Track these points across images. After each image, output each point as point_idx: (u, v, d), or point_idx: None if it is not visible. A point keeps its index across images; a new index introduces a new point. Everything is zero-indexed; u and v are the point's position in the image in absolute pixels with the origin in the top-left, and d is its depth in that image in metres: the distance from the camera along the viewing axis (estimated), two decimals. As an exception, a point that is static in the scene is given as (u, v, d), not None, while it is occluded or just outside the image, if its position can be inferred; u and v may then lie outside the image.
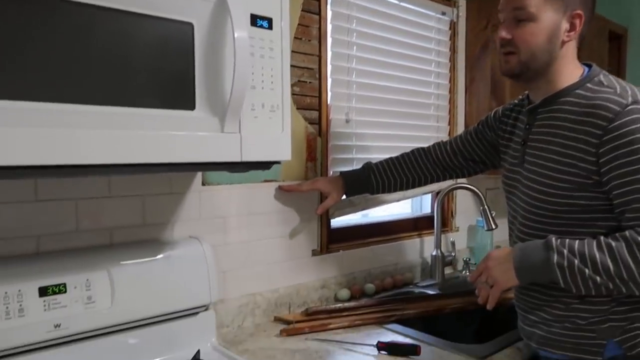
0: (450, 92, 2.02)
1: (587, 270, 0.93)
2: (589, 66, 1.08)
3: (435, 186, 1.75)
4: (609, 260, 0.92)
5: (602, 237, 0.95)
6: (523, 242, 1.09)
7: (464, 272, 1.94)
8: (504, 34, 1.05)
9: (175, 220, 1.26)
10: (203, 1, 0.90)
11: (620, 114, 0.93)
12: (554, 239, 0.99)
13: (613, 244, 0.92)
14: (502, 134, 1.24)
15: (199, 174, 1.29)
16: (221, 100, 0.92)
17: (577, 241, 0.96)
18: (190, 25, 0.89)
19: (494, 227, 1.74)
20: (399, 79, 1.80)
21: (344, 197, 1.48)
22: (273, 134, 1.01)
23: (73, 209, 1.10)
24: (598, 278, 0.93)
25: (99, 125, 0.79)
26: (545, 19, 1.01)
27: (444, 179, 1.47)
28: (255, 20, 0.97)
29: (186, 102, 0.90)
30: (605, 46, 2.36)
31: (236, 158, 0.95)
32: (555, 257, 0.96)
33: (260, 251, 1.43)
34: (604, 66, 2.40)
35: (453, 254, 1.92)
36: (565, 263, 0.95)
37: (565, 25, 1.03)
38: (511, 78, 1.11)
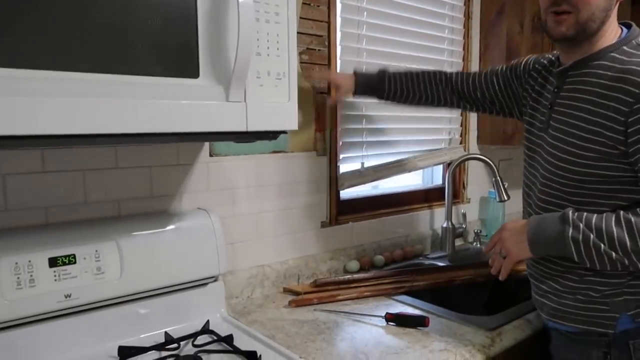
0: (464, 59, 1.96)
1: (602, 246, 0.91)
2: (629, 27, 1.01)
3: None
4: (626, 236, 0.89)
5: (621, 212, 0.92)
6: (542, 212, 1.06)
7: (474, 244, 1.93)
8: None
9: (183, 191, 1.26)
10: (206, -36, 0.86)
11: None
12: (571, 212, 0.96)
13: (633, 219, 0.89)
14: (529, 90, 1.16)
15: (206, 145, 1.28)
16: (226, 67, 0.90)
17: (595, 215, 0.93)
18: (192, -10, 0.86)
19: (506, 198, 1.71)
20: (410, 47, 1.75)
21: (351, 96, 1.42)
22: (279, 103, 0.98)
23: (81, 180, 1.10)
24: (614, 254, 0.90)
25: (101, 93, 0.77)
26: None
27: (456, 107, 1.41)
28: (260, -17, 0.93)
29: (190, 69, 0.87)
30: (627, 9, 2.26)
31: (242, 128, 0.93)
32: (571, 230, 0.93)
33: (268, 223, 1.42)
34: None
35: (464, 225, 1.90)
36: (581, 237, 0.92)
37: None
38: (562, 42, 1.02)
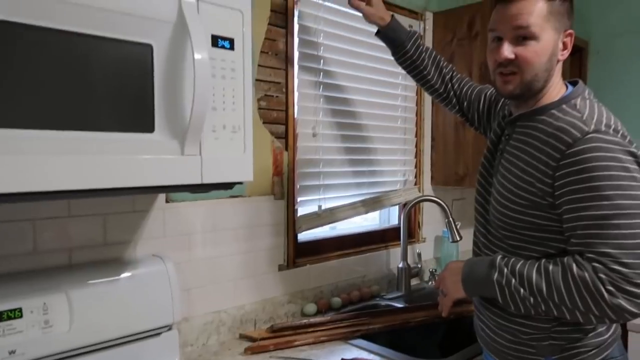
0: (417, 104, 2.05)
1: (522, 290, 0.96)
2: (575, 83, 1.07)
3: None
4: (543, 283, 0.94)
5: (543, 260, 0.97)
6: (484, 247, 1.14)
7: (430, 282, 1.97)
8: (506, 53, 1.00)
9: (138, 238, 1.24)
10: (162, 23, 0.89)
11: (579, 141, 0.93)
12: (499, 257, 1.02)
13: (550, 267, 0.95)
14: (493, 131, 1.21)
15: (163, 191, 1.28)
16: (181, 122, 0.91)
17: (520, 261, 0.99)
18: (149, 47, 0.88)
19: (458, 238, 1.78)
20: (366, 92, 1.82)
21: (382, 23, 1.43)
22: (235, 155, 1.00)
23: (30, 230, 1.08)
24: (532, 299, 0.95)
25: (55, 150, 0.77)
26: (546, 38, 0.99)
27: (444, 99, 1.46)
28: (216, 40, 0.96)
29: (145, 124, 0.88)
30: (567, 59, 2.44)
31: (197, 180, 0.94)
32: (496, 274, 1.00)
33: (225, 267, 1.42)
34: (566, 77, 2.48)
35: (419, 265, 1.95)
36: (504, 281, 0.98)
37: (560, 45, 1.03)
38: (511, 99, 1.09)
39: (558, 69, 1.06)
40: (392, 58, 1.47)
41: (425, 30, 2.05)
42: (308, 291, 1.63)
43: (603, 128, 0.94)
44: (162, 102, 0.90)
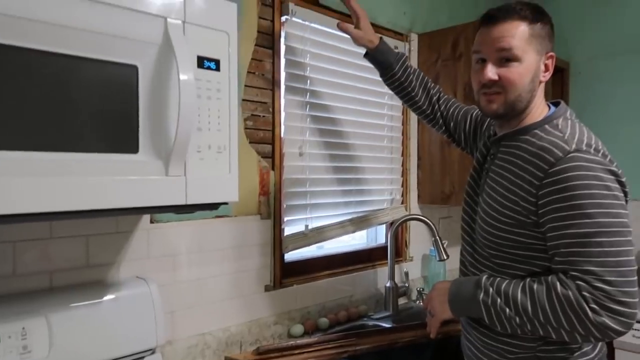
0: (403, 123, 2.07)
1: (507, 310, 0.97)
2: (557, 104, 1.10)
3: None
4: (528, 303, 0.95)
5: (528, 279, 0.98)
6: (470, 266, 1.14)
7: (417, 302, 1.97)
8: (490, 75, 1.03)
9: (122, 260, 1.22)
10: (148, 44, 0.89)
11: (561, 160, 0.95)
12: (485, 277, 1.02)
13: (535, 286, 0.95)
14: (480, 147, 1.22)
15: (147, 212, 1.27)
16: (166, 143, 0.91)
17: (506, 281, 1.00)
18: (134, 68, 0.88)
19: (445, 257, 1.78)
20: (352, 112, 1.83)
21: (370, 46, 1.45)
22: (220, 175, 1.00)
23: (10, 252, 1.05)
24: (517, 318, 0.96)
25: (38, 172, 0.76)
26: (528, 60, 1.02)
27: (430, 118, 1.47)
28: (202, 62, 0.97)
29: (129, 145, 0.88)
30: (549, 79, 2.49)
31: (181, 201, 0.93)
32: (482, 294, 1.00)
33: (211, 289, 1.40)
34: (549, 97, 2.52)
35: (407, 284, 1.94)
36: (490, 301, 0.99)
37: (542, 66, 1.06)
38: (495, 119, 1.12)
39: (540, 90, 1.08)
40: (378, 78, 1.49)
41: (410, 51, 2.08)
42: (295, 312, 1.61)
43: (584, 147, 0.96)
44: (146, 122, 0.89)
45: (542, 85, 1.09)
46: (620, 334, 0.91)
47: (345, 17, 1.79)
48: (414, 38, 2.10)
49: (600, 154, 0.97)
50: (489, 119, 1.28)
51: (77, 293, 1.10)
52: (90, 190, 0.82)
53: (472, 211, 1.17)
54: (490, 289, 0.99)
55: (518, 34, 1.02)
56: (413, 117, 2.10)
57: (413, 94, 1.46)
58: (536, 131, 1.04)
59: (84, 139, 0.82)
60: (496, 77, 1.03)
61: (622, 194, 0.96)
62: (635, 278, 0.91)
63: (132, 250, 1.24)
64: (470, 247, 1.16)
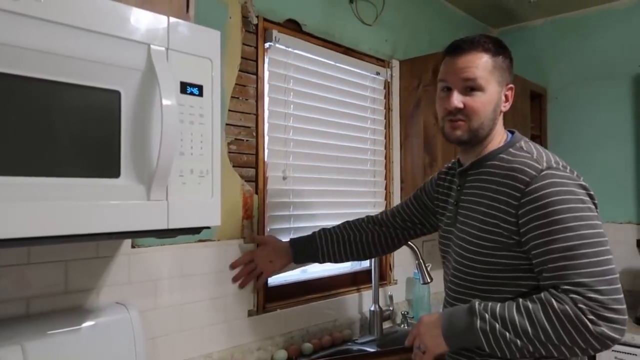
0: (386, 147, 2.09)
1: (507, 334, 0.95)
2: (512, 132, 1.16)
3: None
4: (527, 323, 0.94)
5: (521, 300, 0.98)
6: (456, 301, 1.12)
7: (402, 325, 1.96)
8: (456, 103, 1.08)
9: (102, 285, 1.21)
10: (131, 70, 0.90)
11: (536, 178, 0.99)
12: (477, 304, 1.01)
13: (530, 306, 0.96)
14: (438, 196, 1.30)
15: (129, 236, 1.25)
16: (148, 167, 0.91)
17: (498, 304, 0.99)
18: (117, 94, 0.89)
19: (429, 280, 1.78)
20: (335, 136, 1.85)
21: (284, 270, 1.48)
22: (202, 200, 1.00)
23: (-14, 278, 1.03)
24: (519, 341, 0.95)
25: (17, 197, 0.76)
26: (490, 90, 1.08)
27: (386, 243, 1.47)
28: (185, 87, 0.98)
29: (111, 170, 0.88)
30: (527, 104, 2.54)
31: (163, 226, 0.93)
32: (479, 322, 0.98)
33: (193, 314, 1.38)
34: (527, 122, 2.60)
35: (391, 308, 1.94)
36: (488, 328, 0.97)
37: (502, 97, 1.12)
38: (459, 144, 1.15)
39: (500, 119, 1.15)
40: (361, 104, 1.52)
41: (392, 77, 2.12)
42: (278, 337, 1.59)
43: (554, 165, 1.02)
44: (129, 147, 0.90)
45: (501, 114, 1.14)
46: (616, 341, 0.92)
47: (328, 44, 1.83)
48: (396, 64, 2.14)
49: (568, 171, 1.02)
50: (431, 178, 1.37)
51: (55, 320, 1.08)
52: (70, 215, 0.81)
53: (448, 247, 1.19)
54: (486, 315, 0.98)
55: (481, 64, 1.07)
56: (396, 142, 2.13)
57: (366, 251, 1.46)
58: (502, 155, 1.09)
59: (64, 164, 0.82)
60: (462, 105, 1.08)
61: (594, 206, 1.01)
62: (620, 285, 0.94)
63: (113, 276, 1.22)
64: (453, 279, 1.14)
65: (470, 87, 1.08)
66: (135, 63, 0.90)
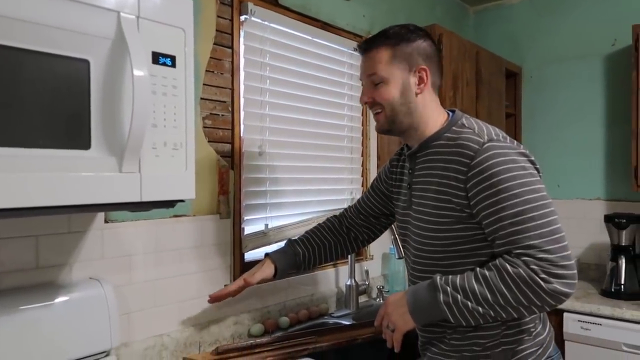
0: (362, 124, 2.09)
1: (469, 304, 1.00)
2: (453, 111, 1.19)
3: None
4: (486, 290, 0.99)
5: (478, 269, 1.02)
6: (416, 278, 1.16)
7: (378, 299, 1.99)
8: (365, 98, 1.18)
9: (74, 261, 1.19)
10: (101, 39, 0.87)
11: (479, 152, 1.04)
12: (438, 278, 1.04)
13: (487, 274, 1.00)
14: (392, 182, 1.33)
15: (102, 211, 1.24)
16: (119, 139, 0.89)
17: (458, 276, 1.03)
18: (86, 63, 0.86)
19: (403, 255, 1.80)
20: (312, 112, 1.85)
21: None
22: (176, 173, 0.99)
23: (-47, 253, 1.01)
24: (480, 308, 0.99)
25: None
26: (394, 78, 1.13)
27: (357, 245, 1.50)
28: (157, 58, 0.96)
29: (81, 141, 0.86)
30: (502, 82, 2.57)
31: (136, 198, 0.92)
32: (442, 296, 1.02)
33: (168, 289, 1.38)
34: (502, 100, 2.63)
35: (367, 282, 1.97)
36: (451, 300, 1.01)
37: (414, 80, 1.14)
38: (385, 134, 1.22)
39: (430, 100, 1.16)
40: (338, 80, 1.51)
41: (369, 53, 2.10)
42: (255, 311, 1.60)
43: (494, 137, 1.07)
44: (99, 118, 0.88)
45: (427, 96, 1.15)
46: (568, 295, 0.97)
47: (305, 19, 1.81)
48: (373, 40, 2.13)
49: (508, 141, 1.07)
50: (384, 166, 1.41)
51: (27, 295, 1.06)
52: (39, 186, 0.80)
53: (407, 230, 1.22)
54: (448, 288, 1.02)
55: (379, 58, 1.14)
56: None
57: (336, 252, 1.47)
58: (447, 134, 1.13)
59: (32, 135, 0.80)
60: (369, 99, 1.17)
61: (536, 172, 1.06)
62: (567, 242, 0.99)
63: (86, 251, 1.21)
64: (416, 260, 1.17)
65: (375, 82, 1.15)
66: (104, 31, 0.87)
